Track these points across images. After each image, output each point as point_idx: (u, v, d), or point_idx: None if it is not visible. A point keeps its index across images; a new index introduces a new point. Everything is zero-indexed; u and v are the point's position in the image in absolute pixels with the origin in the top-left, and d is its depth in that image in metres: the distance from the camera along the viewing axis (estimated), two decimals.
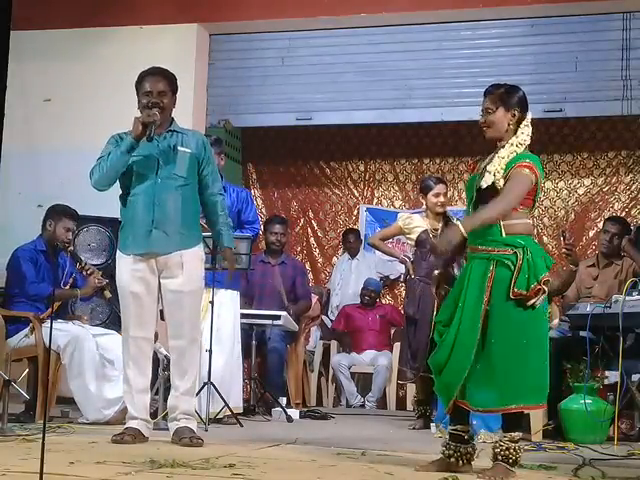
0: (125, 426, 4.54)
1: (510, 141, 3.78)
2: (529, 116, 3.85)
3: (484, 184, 3.73)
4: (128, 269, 4.50)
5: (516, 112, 3.81)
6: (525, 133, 3.80)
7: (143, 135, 4.38)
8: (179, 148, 4.52)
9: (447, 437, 3.86)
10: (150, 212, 4.45)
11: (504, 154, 3.75)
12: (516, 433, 3.68)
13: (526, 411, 3.79)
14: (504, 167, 3.72)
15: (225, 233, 4.70)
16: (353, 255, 8.96)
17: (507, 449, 3.64)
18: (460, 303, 3.74)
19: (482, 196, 3.77)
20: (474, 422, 5.21)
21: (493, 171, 3.72)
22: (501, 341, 3.66)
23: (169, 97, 4.54)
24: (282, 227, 7.26)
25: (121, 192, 4.59)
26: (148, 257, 4.49)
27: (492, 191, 3.71)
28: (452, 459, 3.75)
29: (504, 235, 3.71)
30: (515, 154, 3.75)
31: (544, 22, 7.61)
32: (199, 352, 4.76)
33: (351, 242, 8.95)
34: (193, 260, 4.54)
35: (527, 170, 3.70)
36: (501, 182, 3.70)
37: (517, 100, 3.82)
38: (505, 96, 3.82)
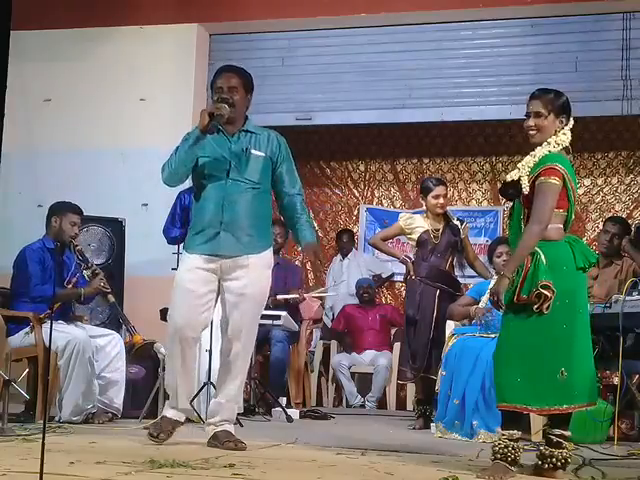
0: (162, 414, 4.47)
1: (548, 140, 3.79)
2: (571, 122, 3.85)
3: (509, 178, 3.75)
4: (189, 266, 4.38)
5: (563, 119, 3.82)
6: (567, 136, 3.80)
7: (208, 126, 4.28)
8: (252, 151, 4.41)
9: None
10: (219, 213, 4.34)
11: (537, 152, 3.77)
12: (514, 431, 3.68)
13: (525, 412, 3.81)
14: (532, 165, 3.74)
15: (306, 229, 4.49)
16: (344, 255, 8.97)
17: (506, 447, 3.64)
18: None
19: (505, 189, 3.80)
20: (474, 422, 5.22)
21: (520, 167, 3.76)
22: (503, 341, 3.76)
23: (241, 94, 4.42)
24: (279, 228, 7.24)
25: (194, 193, 4.53)
26: (214, 258, 4.37)
27: (519, 186, 3.73)
28: (547, 465, 3.72)
29: None
30: (547, 153, 3.75)
31: (544, 22, 7.60)
32: (250, 359, 4.60)
33: (344, 242, 8.97)
34: (259, 264, 4.41)
35: (552, 178, 3.70)
36: (526, 179, 3.72)
37: (565, 107, 3.84)
38: (556, 102, 3.83)
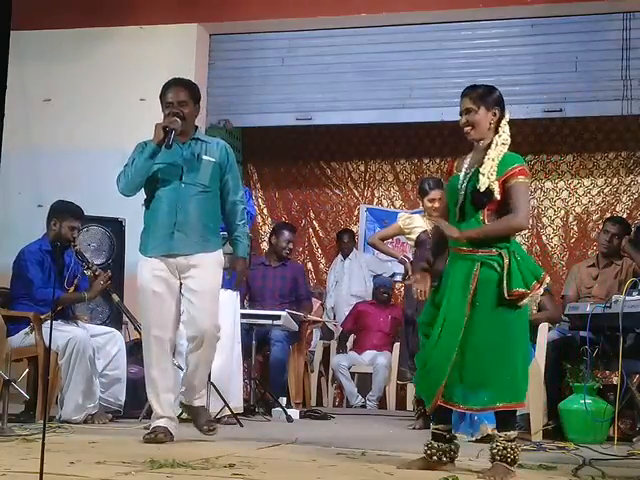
0: (153, 425, 4.57)
1: (495, 140, 3.81)
2: (507, 115, 3.88)
3: (483, 187, 3.73)
4: (149, 269, 4.59)
5: (496, 111, 3.84)
6: (506, 132, 3.84)
7: (164, 140, 4.49)
8: (203, 157, 4.64)
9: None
10: (173, 215, 4.56)
11: (493, 155, 3.77)
12: (511, 432, 3.68)
13: (516, 409, 3.78)
14: (496, 169, 3.75)
15: (241, 243, 4.79)
16: (346, 255, 8.97)
17: (504, 449, 3.64)
18: (444, 303, 3.77)
19: (476, 198, 3.77)
20: (475, 418, 5.21)
21: (487, 174, 3.74)
22: (488, 341, 3.67)
23: (190, 106, 4.65)
24: (292, 235, 7.42)
25: (145, 197, 4.72)
26: (169, 258, 4.58)
27: (488, 194, 3.72)
28: (434, 457, 3.78)
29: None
30: (503, 154, 3.78)
31: (544, 22, 7.61)
32: (214, 352, 4.78)
33: (345, 242, 8.97)
34: (212, 263, 4.64)
35: (524, 177, 3.76)
36: (496, 184, 3.71)
37: (496, 100, 3.87)
38: (485, 96, 3.86)
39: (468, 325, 3.69)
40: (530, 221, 8.82)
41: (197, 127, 4.77)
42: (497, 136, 3.81)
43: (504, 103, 3.89)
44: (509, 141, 3.82)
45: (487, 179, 3.71)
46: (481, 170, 3.74)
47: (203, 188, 4.61)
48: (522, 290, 3.63)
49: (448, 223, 3.85)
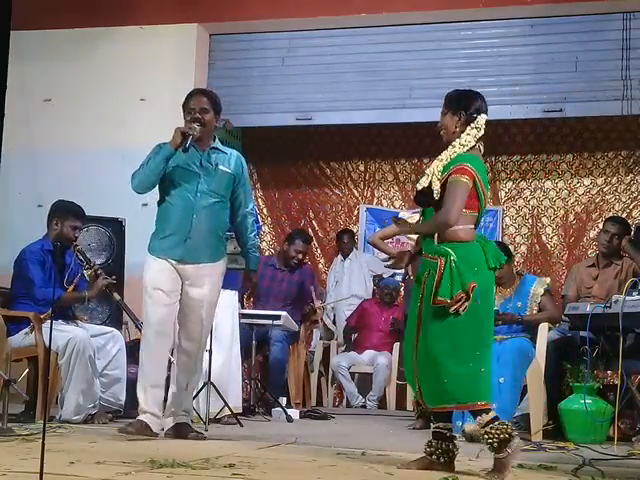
0: (136, 419, 4.63)
1: (454, 142, 3.84)
2: (481, 119, 3.85)
3: (419, 186, 3.79)
4: (158, 269, 4.71)
5: (462, 115, 3.85)
6: (471, 135, 3.83)
7: (181, 145, 4.60)
8: (220, 167, 4.76)
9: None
10: (187, 222, 4.67)
11: (443, 156, 3.81)
12: (478, 418, 3.66)
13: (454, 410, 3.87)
14: (441, 169, 3.77)
15: (253, 256, 4.98)
16: (345, 255, 8.97)
17: (487, 434, 3.60)
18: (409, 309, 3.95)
19: (418, 197, 3.83)
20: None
21: (430, 173, 3.78)
22: (421, 342, 3.73)
23: (211, 115, 4.77)
24: (305, 246, 7.35)
25: (159, 197, 4.81)
26: (179, 263, 4.70)
27: (429, 193, 3.75)
28: (434, 457, 3.79)
29: (436, 242, 3.77)
30: (455, 154, 3.79)
31: (544, 22, 7.61)
32: (201, 365, 4.99)
33: (345, 242, 8.95)
34: (217, 273, 4.80)
35: (463, 177, 3.73)
36: (437, 184, 3.73)
37: (464, 104, 3.88)
38: (452, 100, 3.92)
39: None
40: (530, 221, 8.86)
41: (215, 137, 4.86)
42: (458, 139, 3.84)
43: (476, 107, 3.86)
44: (470, 144, 3.82)
45: (427, 179, 3.77)
46: (426, 170, 3.81)
47: (218, 198, 4.74)
48: (445, 299, 3.63)
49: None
